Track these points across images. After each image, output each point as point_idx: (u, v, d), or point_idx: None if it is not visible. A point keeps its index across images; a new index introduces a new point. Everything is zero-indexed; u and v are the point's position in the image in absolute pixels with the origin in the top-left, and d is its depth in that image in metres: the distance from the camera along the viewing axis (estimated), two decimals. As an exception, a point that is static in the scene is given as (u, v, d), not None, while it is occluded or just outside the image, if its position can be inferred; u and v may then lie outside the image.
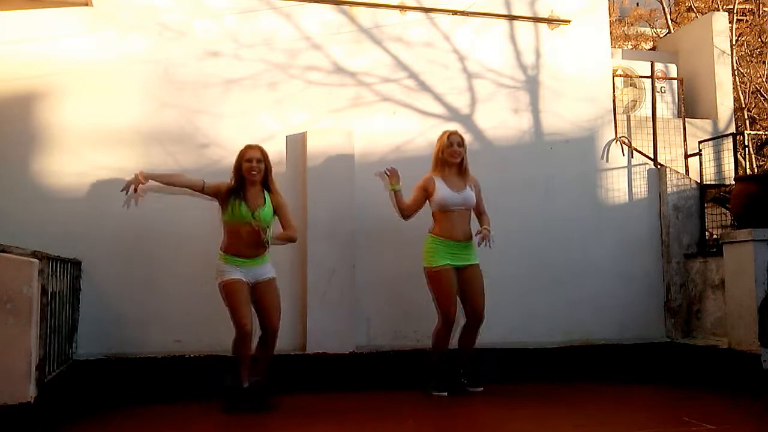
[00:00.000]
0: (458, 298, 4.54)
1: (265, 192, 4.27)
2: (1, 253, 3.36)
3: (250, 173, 4.18)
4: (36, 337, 3.39)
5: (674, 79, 7.13)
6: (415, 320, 5.22)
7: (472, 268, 4.54)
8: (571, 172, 5.65)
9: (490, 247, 4.51)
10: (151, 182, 4.26)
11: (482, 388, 4.56)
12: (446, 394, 4.46)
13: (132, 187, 4.16)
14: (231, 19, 5.17)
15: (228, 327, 4.88)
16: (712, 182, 6.19)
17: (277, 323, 4.20)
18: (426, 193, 4.58)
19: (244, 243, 4.15)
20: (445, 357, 4.56)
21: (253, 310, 4.20)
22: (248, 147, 4.27)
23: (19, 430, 3.24)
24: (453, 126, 5.48)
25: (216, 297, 4.89)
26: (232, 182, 4.24)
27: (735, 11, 10.66)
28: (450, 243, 4.50)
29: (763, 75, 11.02)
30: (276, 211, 4.29)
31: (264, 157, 4.25)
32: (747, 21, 12.14)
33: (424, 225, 5.24)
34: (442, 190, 4.53)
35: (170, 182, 4.37)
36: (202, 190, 4.28)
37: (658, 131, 6.17)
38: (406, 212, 4.61)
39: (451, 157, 4.56)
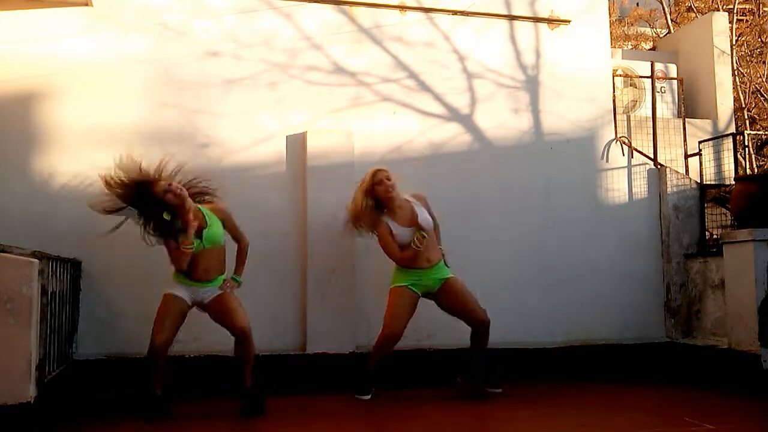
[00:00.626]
0: (451, 313, 4.49)
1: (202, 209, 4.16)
2: (1, 253, 3.36)
3: (165, 197, 4.02)
4: (36, 337, 3.39)
5: (674, 79, 7.13)
6: (414, 320, 5.19)
7: (447, 283, 4.46)
8: (571, 172, 5.65)
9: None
10: None
11: (501, 389, 4.52)
12: (369, 397, 4.42)
13: None
14: (231, 19, 5.16)
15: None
16: (712, 182, 6.19)
17: (240, 322, 4.09)
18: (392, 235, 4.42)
19: (200, 267, 4.10)
20: (384, 363, 4.51)
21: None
22: (137, 180, 4.06)
23: (19, 430, 3.24)
24: (453, 126, 5.50)
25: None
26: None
27: (735, 11, 10.66)
28: (415, 272, 4.43)
29: (763, 75, 11.02)
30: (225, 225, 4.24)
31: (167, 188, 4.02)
32: (747, 21, 12.14)
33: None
34: (395, 229, 4.40)
35: None
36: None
37: (658, 131, 6.17)
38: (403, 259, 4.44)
39: (385, 193, 4.37)
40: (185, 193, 4.05)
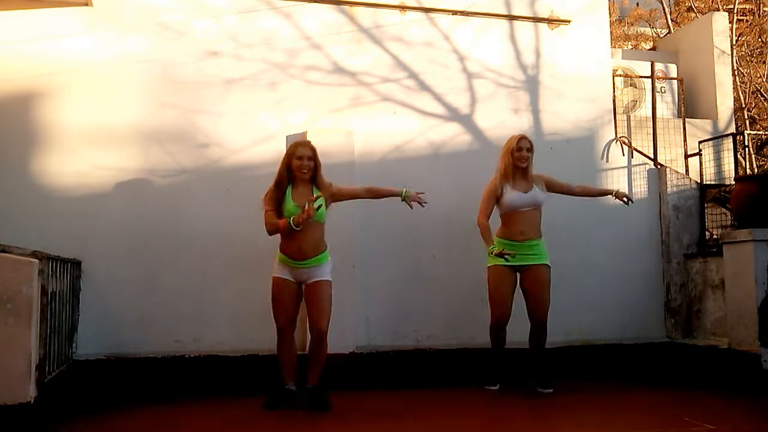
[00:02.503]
0: (525, 298, 4.67)
1: (314, 188, 4.19)
2: (1, 253, 3.36)
3: (301, 171, 4.13)
4: (36, 337, 3.39)
5: (674, 79, 7.13)
6: (415, 320, 5.22)
7: (534, 267, 4.61)
8: (572, 172, 5.63)
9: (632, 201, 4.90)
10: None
11: (552, 390, 4.58)
12: (496, 388, 4.64)
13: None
14: (231, 19, 5.16)
15: (228, 327, 4.91)
16: (712, 182, 6.19)
17: (320, 323, 4.09)
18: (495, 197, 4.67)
19: (295, 244, 4.07)
20: (502, 354, 4.68)
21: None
22: (298, 144, 4.22)
23: (19, 430, 3.24)
24: (453, 126, 5.50)
25: (216, 297, 4.92)
26: (279, 180, 4.16)
27: (735, 11, 10.65)
28: (508, 242, 4.58)
29: (763, 75, 11.02)
30: (337, 197, 4.30)
31: (314, 154, 4.20)
32: (747, 21, 12.13)
33: (424, 225, 5.26)
34: (508, 193, 4.61)
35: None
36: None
37: (658, 131, 6.18)
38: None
39: (519, 161, 4.62)
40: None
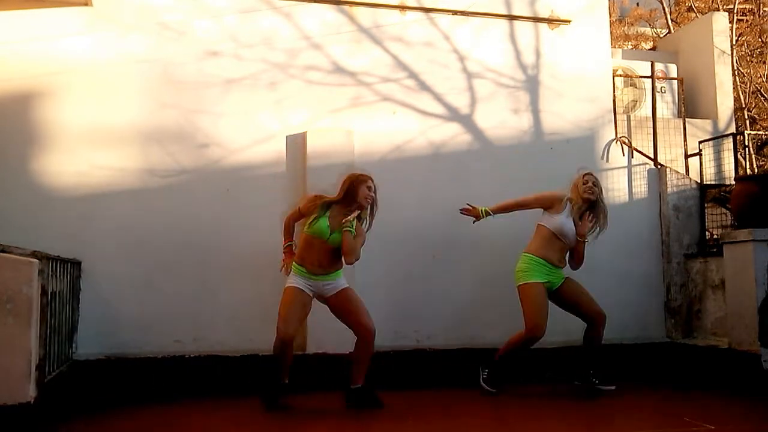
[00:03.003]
0: (567, 309, 4.68)
1: (355, 220, 4.18)
2: (1, 253, 3.36)
3: (366, 200, 4.20)
4: (36, 337, 3.39)
5: (674, 79, 7.12)
6: (415, 320, 5.22)
7: (566, 281, 4.63)
8: (572, 172, 5.62)
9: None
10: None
11: (614, 386, 4.56)
12: (495, 391, 4.56)
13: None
14: (231, 18, 5.16)
15: (228, 327, 4.91)
16: (712, 182, 6.19)
17: (367, 322, 4.13)
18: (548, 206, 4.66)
19: (314, 258, 4.13)
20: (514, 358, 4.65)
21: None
22: (368, 176, 4.26)
23: (19, 430, 3.24)
24: (453, 126, 5.50)
25: (216, 297, 4.92)
26: (337, 197, 4.22)
27: (735, 11, 10.65)
28: (546, 264, 4.56)
29: (763, 75, 11.02)
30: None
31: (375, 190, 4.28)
32: (747, 21, 12.12)
33: (424, 226, 5.26)
34: (560, 218, 4.58)
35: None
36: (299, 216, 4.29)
37: (658, 131, 6.18)
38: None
39: (585, 193, 4.61)
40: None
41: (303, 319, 4.28)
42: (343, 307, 4.20)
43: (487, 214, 4.67)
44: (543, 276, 4.53)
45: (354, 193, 4.18)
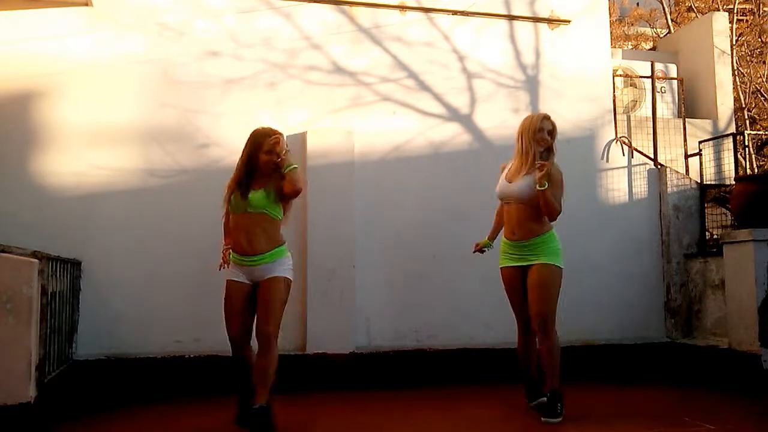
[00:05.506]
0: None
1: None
2: (1, 253, 3.36)
3: (268, 165, 3.61)
4: (36, 337, 3.39)
5: (674, 79, 7.13)
6: (415, 320, 5.22)
7: (532, 268, 3.92)
8: (572, 172, 5.61)
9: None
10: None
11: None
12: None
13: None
14: (231, 19, 5.16)
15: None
16: (712, 182, 6.19)
17: (261, 323, 3.50)
18: None
19: (243, 237, 3.56)
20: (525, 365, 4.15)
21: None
22: (264, 133, 3.71)
23: (19, 430, 3.24)
24: (453, 126, 5.50)
25: (216, 297, 4.90)
26: (239, 172, 3.65)
27: (735, 11, 10.65)
28: (505, 242, 4.05)
29: (763, 75, 11.02)
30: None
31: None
32: (747, 21, 12.13)
33: (424, 225, 5.26)
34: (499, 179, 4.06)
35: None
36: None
37: (658, 131, 6.18)
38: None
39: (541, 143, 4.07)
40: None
41: (249, 313, 3.59)
42: (259, 297, 3.54)
43: (488, 245, 4.25)
44: (506, 258, 4.02)
45: (255, 162, 3.62)
